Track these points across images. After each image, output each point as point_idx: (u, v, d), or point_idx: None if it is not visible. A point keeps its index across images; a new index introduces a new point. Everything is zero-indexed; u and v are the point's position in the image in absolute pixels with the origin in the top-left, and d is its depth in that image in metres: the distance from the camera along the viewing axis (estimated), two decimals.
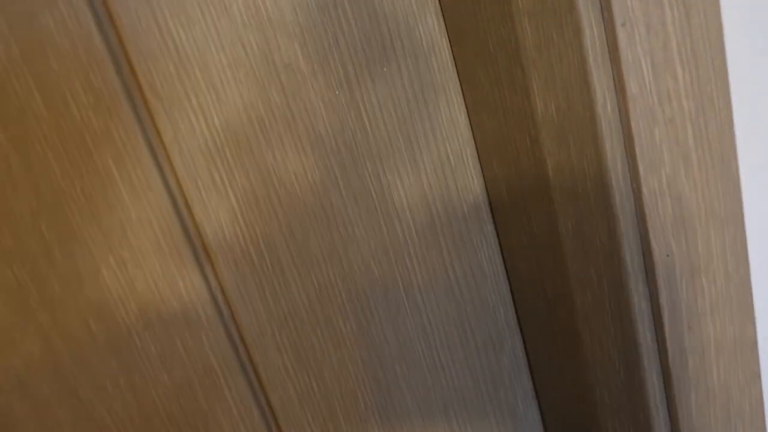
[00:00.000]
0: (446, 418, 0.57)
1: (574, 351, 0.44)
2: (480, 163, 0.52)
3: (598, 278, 0.42)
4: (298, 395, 0.50)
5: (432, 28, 0.49)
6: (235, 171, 0.45)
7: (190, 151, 0.43)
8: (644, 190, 0.40)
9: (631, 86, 0.39)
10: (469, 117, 0.51)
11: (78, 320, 0.42)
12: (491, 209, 0.53)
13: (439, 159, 0.53)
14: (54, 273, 0.41)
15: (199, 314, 0.45)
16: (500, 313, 0.58)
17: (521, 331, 0.55)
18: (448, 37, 0.50)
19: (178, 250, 0.44)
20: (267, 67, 0.45)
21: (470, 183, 0.54)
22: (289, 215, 0.47)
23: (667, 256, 0.41)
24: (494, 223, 0.54)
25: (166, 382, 0.45)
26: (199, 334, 0.46)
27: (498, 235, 0.53)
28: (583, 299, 0.43)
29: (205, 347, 0.46)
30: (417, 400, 0.55)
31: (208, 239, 0.45)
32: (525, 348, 0.60)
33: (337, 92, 0.48)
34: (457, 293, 0.55)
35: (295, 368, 0.50)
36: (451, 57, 0.50)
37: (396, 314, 0.53)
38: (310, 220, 0.48)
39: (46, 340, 0.41)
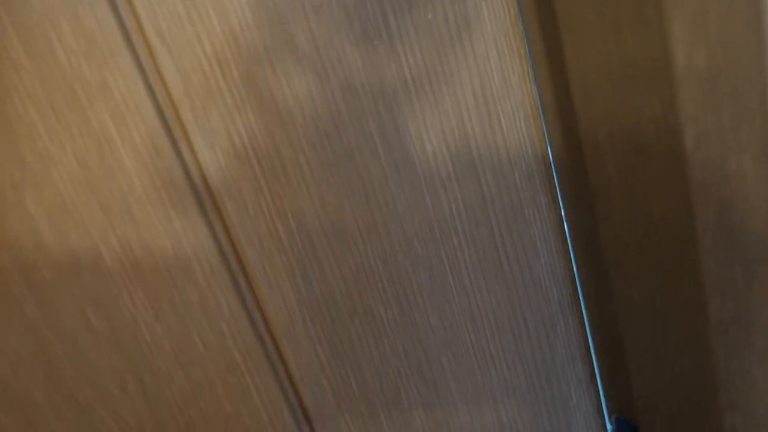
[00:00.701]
0: (495, 412, 0.48)
1: (700, 365, 0.32)
2: (546, 125, 0.41)
3: (747, 282, 0.32)
4: (334, 392, 0.41)
5: None
6: (257, 132, 0.35)
7: (204, 108, 0.34)
8: None
9: None
10: (564, 68, 0.39)
11: (74, 312, 0.33)
12: (550, 175, 0.44)
13: (490, 122, 0.43)
14: (43, 257, 0.32)
15: (220, 302, 0.36)
16: (553, 295, 0.49)
17: (607, 330, 0.44)
18: None
19: (192, 227, 0.35)
20: (294, 8, 0.35)
21: (523, 149, 0.45)
22: (322, 186, 0.38)
23: None
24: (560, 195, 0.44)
25: (183, 382, 0.36)
26: (219, 326, 0.36)
27: (594, 221, 0.42)
28: (722, 306, 0.32)
29: (227, 340, 0.37)
30: (465, 394, 0.46)
31: (229, 213, 0.35)
32: (582, 333, 0.51)
33: (375, 43, 0.38)
34: (507, 274, 0.46)
35: (331, 362, 0.40)
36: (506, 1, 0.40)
37: (442, 298, 0.43)
38: (345, 192, 0.39)
39: (37, 338, 0.32)
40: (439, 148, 0.41)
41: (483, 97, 0.43)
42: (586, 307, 0.41)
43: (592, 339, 0.40)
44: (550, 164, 0.46)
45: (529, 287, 0.47)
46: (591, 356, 0.52)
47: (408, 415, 0.44)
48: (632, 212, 0.31)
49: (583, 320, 0.51)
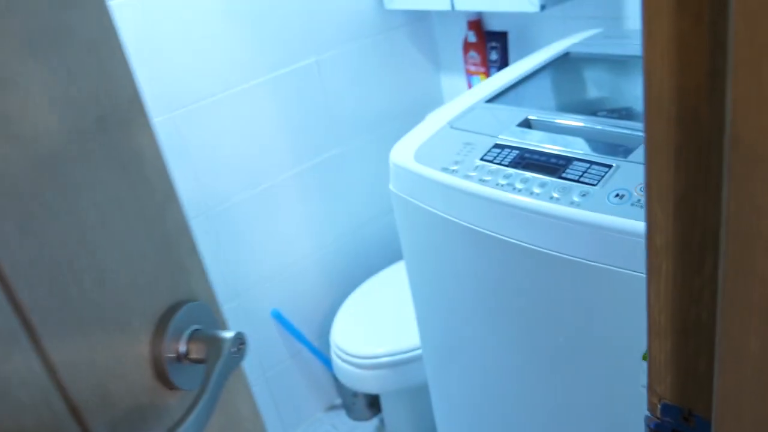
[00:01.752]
0: (141, 270, 0.65)
1: None
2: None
3: None
4: (29, 260, 0.53)
5: None
6: None
7: None
8: None
9: None
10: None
11: None
12: (141, 102, 0.62)
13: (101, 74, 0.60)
14: None
15: None
16: (158, 188, 0.68)
17: None
18: None
19: None
20: None
21: (127, 84, 0.63)
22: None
23: None
24: None
25: None
26: None
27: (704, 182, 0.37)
28: None
29: None
30: (118, 259, 0.62)
31: None
32: (181, 212, 0.72)
33: None
34: (130, 173, 0.64)
35: (21, 237, 0.52)
36: None
37: (92, 186, 0.59)
38: (15, 105, 0.51)
39: None
40: (76, 72, 0.57)
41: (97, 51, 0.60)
42: (651, 283, 0.37)
43: (652, 319, 0.37)
44: (139, 92, 0.66)
45: (145, 182, 0.66)
46: (191, 232, 0.73)
47: (79, 278, 0.58)
48: None
49: (180, 205, 0.72)
